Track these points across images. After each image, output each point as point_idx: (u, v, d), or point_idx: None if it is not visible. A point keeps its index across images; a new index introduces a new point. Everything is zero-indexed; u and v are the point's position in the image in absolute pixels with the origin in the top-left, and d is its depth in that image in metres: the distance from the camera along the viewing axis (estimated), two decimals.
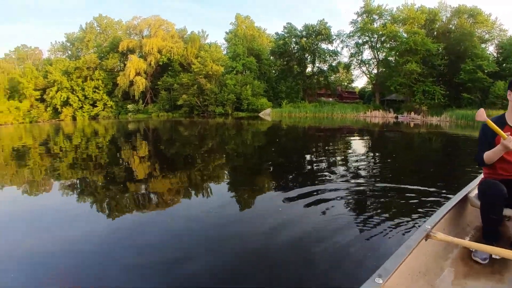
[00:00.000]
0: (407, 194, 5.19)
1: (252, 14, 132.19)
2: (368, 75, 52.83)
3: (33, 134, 25.22)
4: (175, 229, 4.16)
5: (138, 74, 52.18)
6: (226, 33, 57.12)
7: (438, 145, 14.19)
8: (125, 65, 54.19)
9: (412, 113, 38.32)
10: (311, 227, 3.96)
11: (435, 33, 44.87)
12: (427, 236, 2.16)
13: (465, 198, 2.91)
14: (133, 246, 3.61)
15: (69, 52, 65.06)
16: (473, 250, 2.41)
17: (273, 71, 57.92)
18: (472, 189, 3.05)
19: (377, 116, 40.75)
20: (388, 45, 46.28)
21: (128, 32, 58.83)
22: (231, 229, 4.04)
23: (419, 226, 3.57)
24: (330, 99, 56.86)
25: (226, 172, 8.19)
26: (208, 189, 6.22)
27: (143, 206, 5.17)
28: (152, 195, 5.79)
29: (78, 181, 6.74)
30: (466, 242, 2.18)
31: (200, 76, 47.10)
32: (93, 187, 6.28)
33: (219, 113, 46.64)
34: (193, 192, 6.04)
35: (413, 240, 2.06)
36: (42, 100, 58.82)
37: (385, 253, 3.08)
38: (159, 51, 53.29)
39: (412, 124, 28.52)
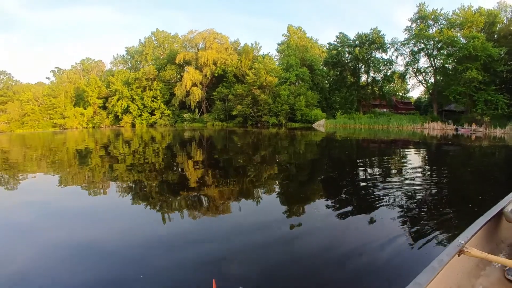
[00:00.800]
0: (462, 216, 5.19)
1: (304, 25, 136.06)
2: (424, 85, 51.49)
3: (95, 138, 27.99)
4: (220, 233, 4.50)
5: (194, 85, 56.04)
6: (278, 44, 60.07)
7: (500, 161, 13.49)
8: (181, 76, 58.61)
9: (474, 125, 36.83)
10: (354, 238, 4.29)
11: (496, 36, 42.26)
12: (460, 252, 2.15)
13: (500, 213, 2.82)
14: (175, 245, 4.05)
15: (129, 64, 72.06)
16: (507, 268, 2.35)
17: (326, 81, 59.11)
18: (508, 203, 2.96)
19: (435, 128, 39.38)
20: (445, 52, 44.22)
21: (184, 45, 63.26)
22: (277, 239, 4.23)
23: (448, 239, 3.94)
24: (385, 110, 56.90)
25: (277, 182, 8.34)
26: (258, 199, 6.45)
27: (193, 210, 5.52)
28: (202, 201, 6.09)
29: (133, 184, 7.30)
30: (501, 259, 2.15)
31: (254, 87, 49.25)
32: (147, 189, 6.80)
33: (272, 124, 48.32)
34: (243, 200, 6.28)
35: (445, 255, 2.07)
36: (104, 107, 65.58)
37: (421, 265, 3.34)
38: (214, 63, 56.74)
39: (473, 137, 27.17)
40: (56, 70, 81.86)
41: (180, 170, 9.15)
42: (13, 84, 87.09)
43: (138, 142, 21.00)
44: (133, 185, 6.96)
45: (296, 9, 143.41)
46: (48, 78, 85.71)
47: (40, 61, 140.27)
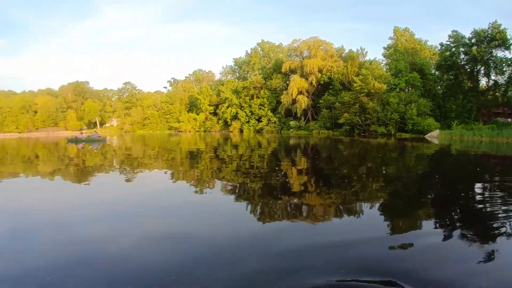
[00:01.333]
0: None
1: (410, 25, 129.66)
2: None
3: (206, 141, 31.02)
4: (315, 244, 4.44)
5: (300, 92, 58.54)
6: (385, 48, 58.15)
7: None
8: (287, 84, 61.92)
9: None
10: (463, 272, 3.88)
11: None
12: None
13: None
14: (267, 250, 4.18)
15: (237, 74, 79.44)
16: None
17: (439, 87, 55.64)
18: None
19: None
20: None
21: (289, 54, 66.71)
22: (375, 259, 4.09)
23: None
24: (510, 119, 51.27)
25: (382, 197, 8.05)
26: (361, 213, 6.27)
27: (291, 215, 5.68)
28: (303, 207, 6.14)
29: (238, 184, 7.60)
30: None
31: (362, 94, 48.91)
32: (250, 191, 7.07)
33: (381, 133, 47.14)
34: (344, 212, 6.23)
35: None
36: (215, 113, 73.41)
37: None
38: (320, 70, 58.28)
39: None
40: (172, 80, 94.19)
41: (283, 175, 9.25)
42: (137, 92, 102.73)
43: (245, 146, 21.89)
44: (237, 186, 7.29)
45: (399, 10, 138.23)
46: (165, 87, 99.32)
47: (158, 72, 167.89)
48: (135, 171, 10.25)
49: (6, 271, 3.43)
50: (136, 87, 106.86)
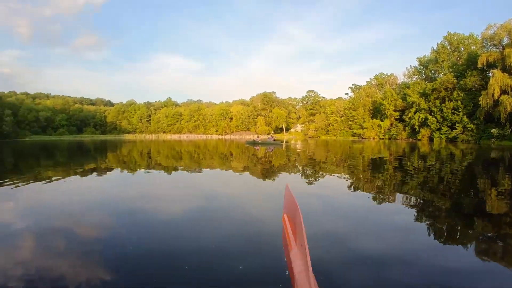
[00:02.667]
0: None
1: None
2: None
3: (390, 149, 29.34)
4: None
5: (504, 92, 51.27)
6: None
7: None
8: (486, 82, 54.62)
9: None
10: None
11: None
12: None
13: None
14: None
15: (423, 74, 75.10)
16: None
17: None
18: None
19: None
20: None
21: (484, 44, 58.95)
22: None
23: None
24: None
25: None
26: None
27: (482, 251, 4.01)
28: (498, 238, 4.54)
29: (422, 201, 6.74)
30: None
31: None
32: (436, 210, 6.09)
33: None
34: None
35: None
36: (401, 120, 71.97)
37: None
38: None
39: None
40: (353, 86, 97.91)
41: (477, 196, 7.80)
42: (320, 100, 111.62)
43: (435, 158, 20.01)
44: (421, 203, 6.56)
45: None
46: (346, 94, 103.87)
47: (339, 80, 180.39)
48: (316, 175, 10.90)
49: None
50: (319, 94, 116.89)
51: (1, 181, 9.13)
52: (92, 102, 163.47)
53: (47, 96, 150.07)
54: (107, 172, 11.74)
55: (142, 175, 11.15)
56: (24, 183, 8.80)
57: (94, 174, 11.17)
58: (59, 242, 4.00)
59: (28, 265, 3.29)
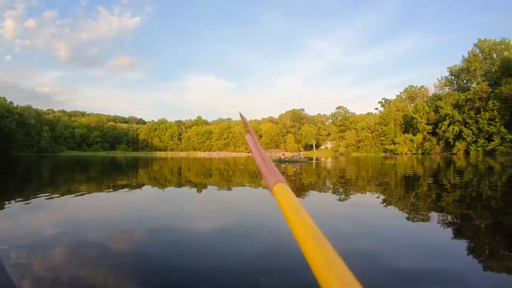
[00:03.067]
0: None
1: None
2: None
3: (424, 165, 27.89)
4: None
5: None
6: None
7: None
8: None
9: None
10: None
11: None
12: None
13: None
14: None
15: (455, 85, 72.77)
16: None
17: None
18: None
19: None
20: None
21: None
22: None
23: None
24: None
25: None
26: None
27: None
28: None
29: (458, 219, 6.53)
30: None
31: None
32: (474, 228, 5.87)
33: None
34: None
35: None
36: (434, 133, 69.21)
37: None
38: None
39: None
40: (383, 101, 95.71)
41: None
42: (349, 115, 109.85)
43: (473, 172, 19.71)
44: (458, 221, 6.28)
45: None
46: (376, 108, 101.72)
47: (368, 95, 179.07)
48: (347, 193, 10.77)
49: None
50: (348, 110, 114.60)
51: (39, 193, 9.44)
52: (125, 120, 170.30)
53: (83, 114, 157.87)
54: (138, 188, 11.63)
55: (173, 191, 11.21)
56: (58, 195, 9.09)
57: (126, 189, 11.13)
58: (89, 255, 4.08)
59: (59, 274, 3.39)
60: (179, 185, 13.40)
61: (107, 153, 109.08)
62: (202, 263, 3.77)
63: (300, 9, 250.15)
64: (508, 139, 54.15)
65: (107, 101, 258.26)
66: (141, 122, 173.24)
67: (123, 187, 11.77)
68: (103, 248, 4.33)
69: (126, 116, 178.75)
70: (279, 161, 37.00)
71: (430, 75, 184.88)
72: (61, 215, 6.53)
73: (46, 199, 8.38)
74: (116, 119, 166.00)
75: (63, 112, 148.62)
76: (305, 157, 49.47)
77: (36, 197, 8.65)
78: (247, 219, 6.70)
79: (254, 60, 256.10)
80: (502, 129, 54.82)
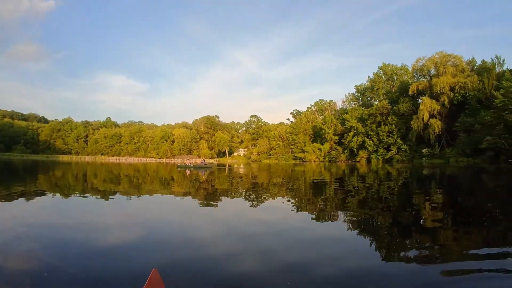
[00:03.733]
0: None
1: None
2: None
3: (331, 171, 29.63)
4: None
5: (432, 116, 56.04)
6: None
7: None
8: (416, 108, 59.68)
9: None
10: None
11: None
12: None
13: None
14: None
15: (360, 101, 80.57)
16: None
17: None
18: None
19: None
20: None
21: (414, 74, 65.45)
22: None
23: None
24: None
25: None
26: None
27: (426, 257, 4.22)
28: (435, 248, 4.89)
29: (362, 218, 6.99)
30: None
31: (506, 112, 44.03)
32: (375, 225, 6.41)
33: None
34: (490, 255, 4.35)
35: None
36: (340, 143, 74.94)
37: None
38: (451, 89, 55.11)
39: None
40: (294, 112, 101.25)
41: (414, 210, 8.31)
42: (262, 124, 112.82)
43: (373, 178, 20.93)
44: (361, 219, 6.77)
45: None
46: (288, 119, 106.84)
47: (281, 106, 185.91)
48: (259, 198, 10.83)
49: None
50: (261, 119, 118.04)
51: None
52: (24, 117, 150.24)
53: None
54: (37, 197, 9.97)
55: (76, 200, 9.71)
56: None
57: (22, 198, 9.46)
58: None
59: None
60: (85, 192, 11.61)
61: (1, 155, 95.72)
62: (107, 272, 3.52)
63: (220, 19, 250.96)
64: (403, 149, 62.43)
65: (3, 93, 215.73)
66: (43, 120, 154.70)
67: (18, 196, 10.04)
68: None
69: (25, 112, 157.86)
70: (184, 167, 37.02)
71: (339, 91, 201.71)
72: None
73: None
74: (13, 115, 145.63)
75: None
76: (211, 163, 50.35)
77: None
78: (161, 227, 6.22)
79: (171, 63, 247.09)
80: (399, 140, 62.78)
